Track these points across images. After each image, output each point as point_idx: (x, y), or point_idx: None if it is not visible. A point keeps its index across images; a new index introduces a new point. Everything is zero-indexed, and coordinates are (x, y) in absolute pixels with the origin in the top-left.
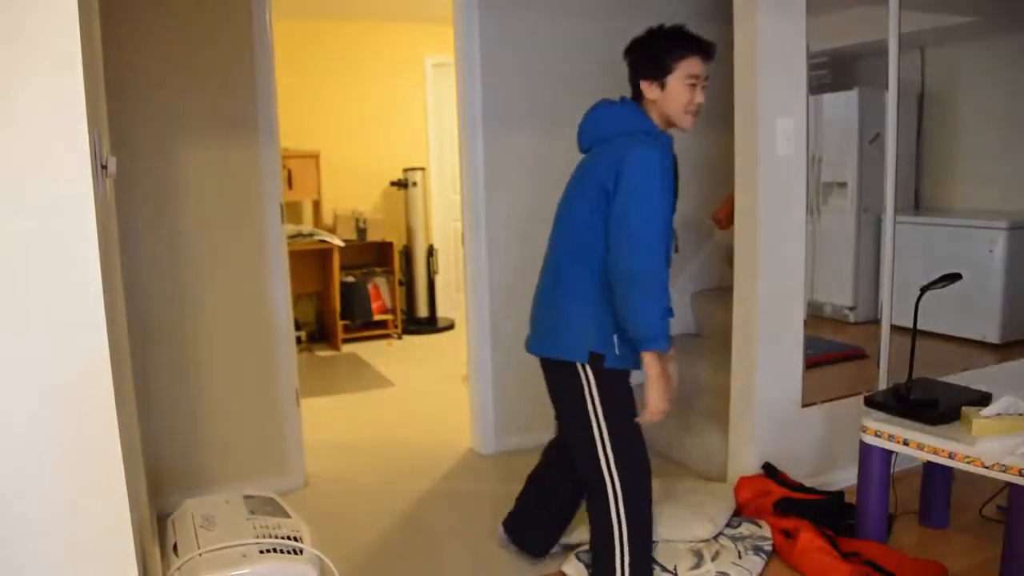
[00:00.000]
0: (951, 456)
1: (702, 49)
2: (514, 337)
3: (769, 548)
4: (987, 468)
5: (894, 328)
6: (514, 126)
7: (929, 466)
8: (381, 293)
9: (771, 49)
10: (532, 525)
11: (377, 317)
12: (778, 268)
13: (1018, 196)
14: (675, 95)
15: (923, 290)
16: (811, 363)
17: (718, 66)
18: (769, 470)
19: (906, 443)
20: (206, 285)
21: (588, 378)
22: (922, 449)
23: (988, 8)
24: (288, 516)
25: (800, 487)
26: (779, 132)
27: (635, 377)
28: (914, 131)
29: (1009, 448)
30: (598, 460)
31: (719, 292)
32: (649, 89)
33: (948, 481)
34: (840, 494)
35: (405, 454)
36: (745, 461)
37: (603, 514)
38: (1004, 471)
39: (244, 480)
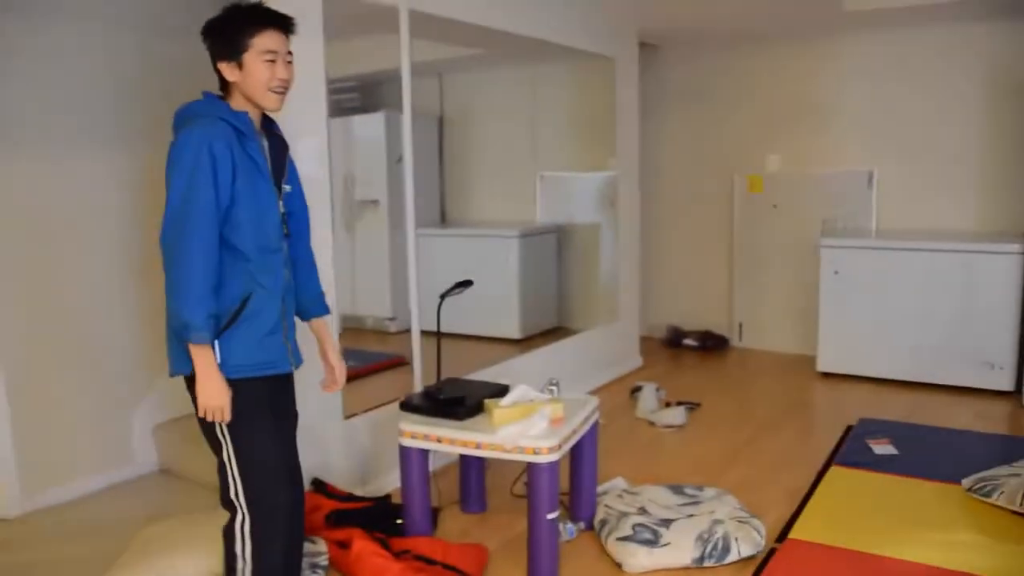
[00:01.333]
0: (479, 446)
1: (278, 22)
2: (36, 373)
3: (325, 563)
4: (508, 452)
5: (429, 334)
6: None
7: (464, 458)
8: None
9: None
10: None
11: None
12: None
13: (525, 208)
14: (254, 73)
15: (441, 297)
16: (354, 375)
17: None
18: (318, 485)
19: (439, 440)
20: None
21: None
22: (454, 444)
23: (490, 42)
24: None
25: (350, 496)
26: (301, 153)
27: None
28: (436, 151)
29: (523, 431)
30: (227, 483)
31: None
32: (228, 70)
33: (481, 469)
34: (387, 497)
35: None
36: None
37: (231, 542)
38: (521, 452)
39: None
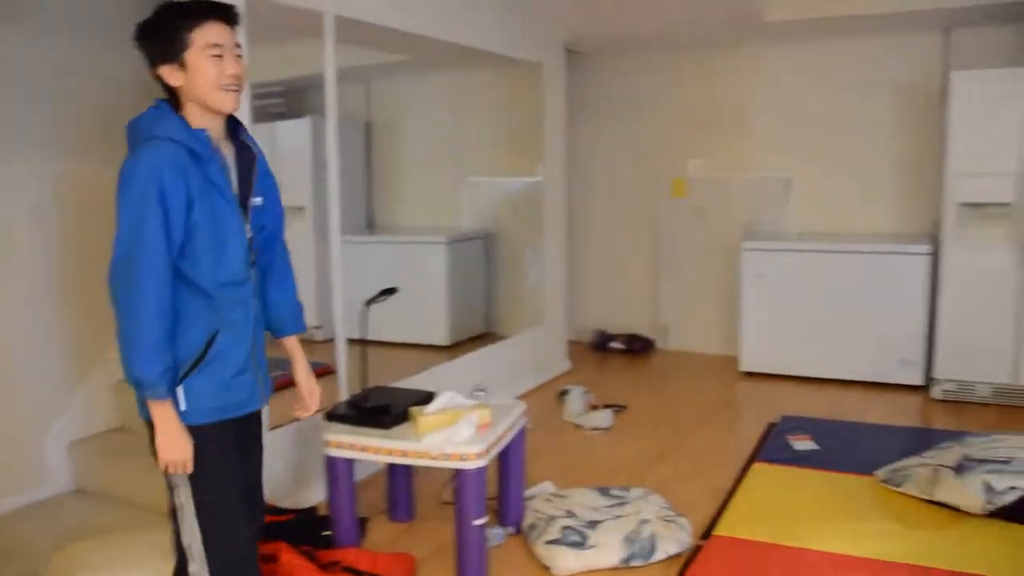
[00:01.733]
0: (405, 454)
1: (218, 12)
2: None
3: None
4: (435, 459)
5: (356, 342)
6: None
7: (392, 467)
8: None
9: None
10: None
11: None
12: None
13: (454, 213)
14: (200, 71)
15: (366, 304)
16: (279, 385)
17: (137, 94)
18: None
19: (364, 449)
20: None
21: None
22: (379, 453)
23: (417, 48)
24: None
25: (275, 510)
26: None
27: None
28: (363, 157)
29: (449, 437)
30: (181, 528)
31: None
32: (170, 74)
33: (408, 477)
34: (312, 509)
35: None
36: None
37: None
38: (447, 459)
39: None
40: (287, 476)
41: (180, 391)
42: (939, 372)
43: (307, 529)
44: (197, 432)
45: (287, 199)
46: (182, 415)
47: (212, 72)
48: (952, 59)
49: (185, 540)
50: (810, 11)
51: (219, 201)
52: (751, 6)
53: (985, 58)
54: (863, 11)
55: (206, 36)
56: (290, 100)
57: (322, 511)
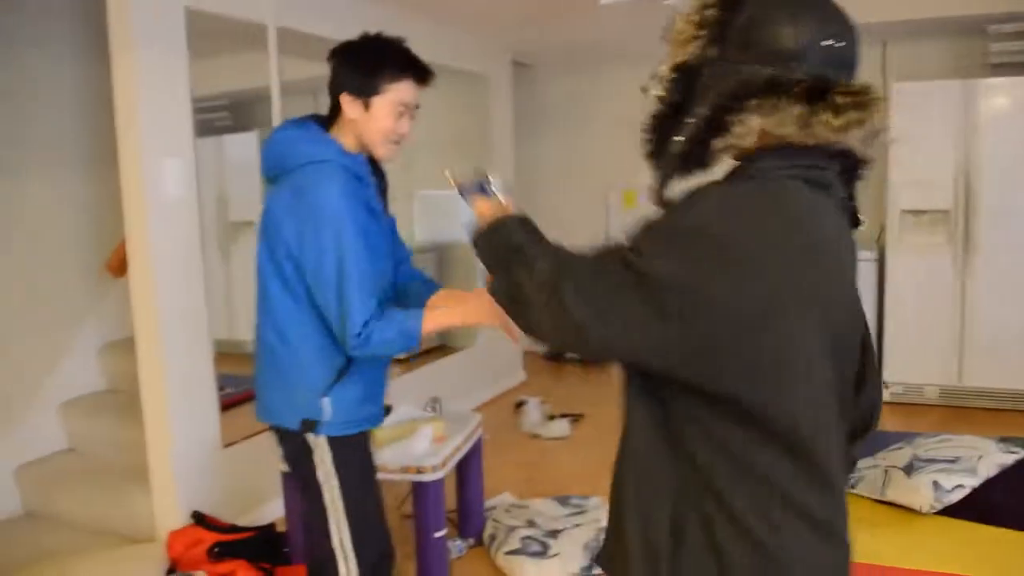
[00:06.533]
0: None
1: (419, 73)
2: None
3: None
4: (391, 473)
5: None
6: None
7: None
8: None
9: (153, 88)
10: None
11: None
12: (180, 311)
13: (403, 227)
14: (379, 120)
15: None
16: (232, 402)
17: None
18: (199, 518)
19: None
20: None
21: (312, 447)
22: None
23: None
24: None
25: (232, 528)
26: (166, 173)
27: None
28: None
29: (404, 451)
30: (330, 539)
31: (129, 342)
32: (351, 106)
33: None
34: (271, 526)
35: None
36: (172, 514)
37: None
38: (405, 472)
39: None
40: (243, 493)
41: (328, 401)
42: (888, 375)
43: (267, 546)
44: (348, 440)
45: (236, 214)
46: (331, 425)
47: (388, 126)
48: (890, 71)
49: (334, 541)
50: None
51: (374, 227)
52: None
53: (920, 70)
54: None
55: (400, 94)
56: (235, 113)
57: (281, 527)
